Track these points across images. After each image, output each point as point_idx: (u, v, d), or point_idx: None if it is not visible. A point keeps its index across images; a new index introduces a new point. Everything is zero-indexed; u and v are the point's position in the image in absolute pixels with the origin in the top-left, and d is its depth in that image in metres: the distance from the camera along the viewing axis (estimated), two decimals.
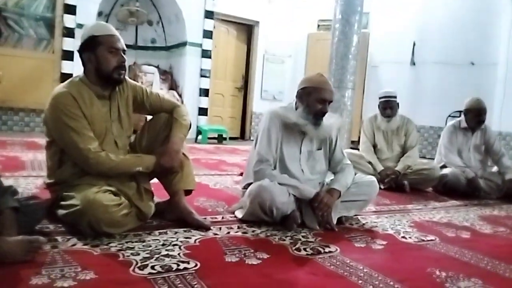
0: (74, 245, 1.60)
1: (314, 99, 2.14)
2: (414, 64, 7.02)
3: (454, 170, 3.48)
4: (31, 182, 2.67)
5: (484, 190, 3.49)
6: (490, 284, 1.54)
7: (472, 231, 2.35)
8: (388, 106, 3.64)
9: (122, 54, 1.89)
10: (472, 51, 6.49)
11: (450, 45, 6.64)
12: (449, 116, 6.37)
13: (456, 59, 6.60)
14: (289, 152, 2.22)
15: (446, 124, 3.92)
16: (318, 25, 8.01)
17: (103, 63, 1.84)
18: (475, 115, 3.55)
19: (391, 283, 1.48)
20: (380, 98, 3.70)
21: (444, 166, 3.62)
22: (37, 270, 1.34)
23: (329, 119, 2.25)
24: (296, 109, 2.22)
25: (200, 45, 7.15)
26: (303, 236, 1.96)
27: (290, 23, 7.94)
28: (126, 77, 2.01)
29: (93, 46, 1.84)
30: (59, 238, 1.65)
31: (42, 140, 1.96)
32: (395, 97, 3.67)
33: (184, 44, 7.09)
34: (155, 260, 1.51)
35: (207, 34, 7.20)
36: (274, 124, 2.18)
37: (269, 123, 2.19)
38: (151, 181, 2.08)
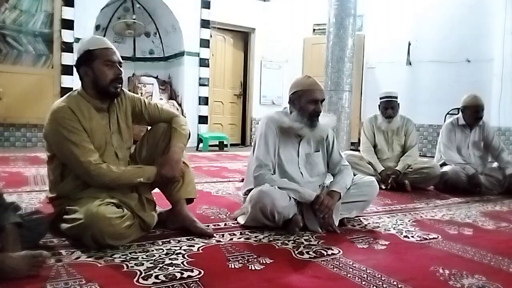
0: (78, 258, 1.61)
1: (306, 101, 2.17)
2: (410, 63, 7.05)
3: (454, 167, 3.48)
4: (34, 197, 2.69)
5: (485, 186, 3.49)
6: (494, 280, 1.54)
7: (474, 227, 2.35)
8: (389, 106, 3.65)
9: (118, 67, 1.91)
10: (467, 48, 6.50)
11: (445, 43, 6.66)
12: (448, 113, 6.37)
13: (451, 57, 6.62)
14: (287, 156, 2.24)
15: (445, 121, 3.92)
16: (314, 30, 8.06)
17: (99, 77, 1.86)
18: (472, 112, 3.56)
19: (395, 283, 1.48)
20: (381, 98, 3.71)
21: (444, 164, 3.62)
22: (42, 284, 1.35)
23: (324, 118, 2.27)
24: (290, 113, 2.24)
25: (198, 54, 7.20)
26: (305, 240, 1.97)
27: (285, 28, 7.99)
28: (124, 89, 2.03)
29: (89, 60, 1.86)
30: (63, 252, 1.66)
31: (44, 155, 1.97)
32: (396, 97, 3.68)
33: (181, 54, 7.14)
34: (159, 269, 1.52)
35: (204, 43, 7.25)
36: (270, 129, 2.20)
37: (266, 128, 2.20)
38: (153, 191, 2.09)
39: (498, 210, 2.86)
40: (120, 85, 1.93)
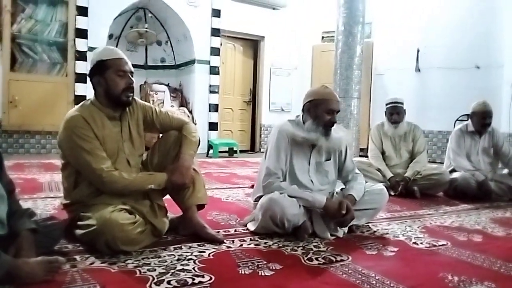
0: (92, 263, 1.64)
1: (322, 110, 2.18)
2: (419, 70, 7.02)
3: (464, 173, 3.47)
4: (49, 203, 2.74)
5: (495, 193, 3.47)
6: (504, 287, 1.54)
7: (484, 234, 2.34)
8: (395, 111, 3.66)
9: (130, 76, 1.96)
10: (476, 55, 6.46)
11: (454, 49, 6.62)
12: (457, 120, 6.34)
13: (461, 63, 6.58)
14: (299, 164, 2.26)
15: (454, 128, 3.91)
16: (322, 37, 8.09)
17: (112, 86, 1.91)
18: (479, 118, 3.55)
19: None
20: (387, 104, 3.74)
21: (453, 170, 3.61)
22: None
23: (339, 132, 2.29)
24: (303, 122, 2.26)
25: (208, 62, 7.28)
26: (314, 246, 1.98)
27: (294, 36, 8.05)
28: (136, 98, 2.08)
29: (102, 70, 1.92)
30: (77, 257, 1.69)
31: (59, 162, 2.03)
32: (402, 103, 3.69)
33: (192, 62, 7.22)
34: (170, 275, 1.55)
35: (215, 51, 7.33)
36: (283, 138, 2.22)
37: (278, 137, 2.22)
38: (164, 198, 2.13)
39: (508, 217, 2.85)
40: (132, 94, 1.98)
